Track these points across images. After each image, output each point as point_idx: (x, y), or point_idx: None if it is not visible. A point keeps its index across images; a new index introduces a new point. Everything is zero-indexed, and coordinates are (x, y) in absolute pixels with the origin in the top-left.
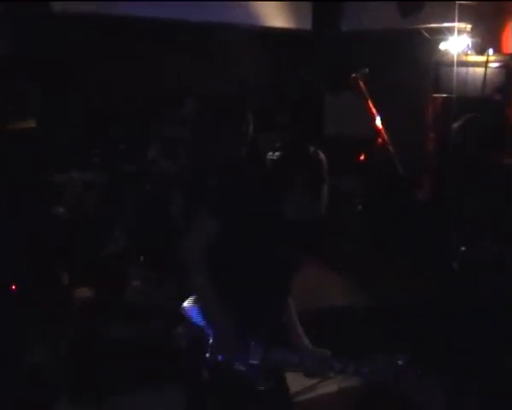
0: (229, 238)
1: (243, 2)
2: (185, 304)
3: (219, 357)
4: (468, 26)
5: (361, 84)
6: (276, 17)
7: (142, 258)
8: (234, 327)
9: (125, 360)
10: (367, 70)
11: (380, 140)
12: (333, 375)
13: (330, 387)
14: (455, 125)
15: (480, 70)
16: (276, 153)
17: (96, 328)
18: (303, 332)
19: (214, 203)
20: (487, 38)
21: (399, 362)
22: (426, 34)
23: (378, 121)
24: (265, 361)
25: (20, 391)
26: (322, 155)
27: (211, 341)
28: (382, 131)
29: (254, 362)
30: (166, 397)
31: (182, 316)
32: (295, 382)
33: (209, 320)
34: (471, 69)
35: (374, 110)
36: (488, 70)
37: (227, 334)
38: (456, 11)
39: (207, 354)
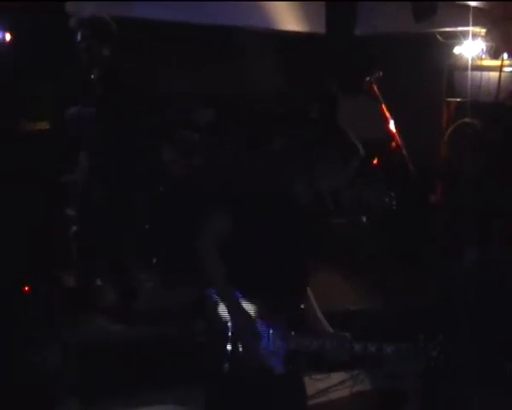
0: (245, 230)
1: (256, 6)
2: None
3: (240, 347)
4: (483, 31)
5: (375, 87)
6: (288, 21)
7: (154, 260)
8: (252, 315)
9: (137, 363)
10: (381, 74)
11: (393, 144)
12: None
13: (342, 391)
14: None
15: (495, 74)
16: None
17: (108, 331)
18: (322, 316)
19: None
20: (502, 43)
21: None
22: (440, 38)
23: (392, 125)
24: (286, 347)
25: (29, 393)
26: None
27: (231, 332)
28: (396, 134)
29: (275, 349)
30: (183, 399)
31: (200, 311)
32: (308, 386)
33: (228, 309)
34: (485, 73)
35: (387, 114)
36: (503, 74)
37: (246, 322)
38: (471, 15)
39: (228, 346)
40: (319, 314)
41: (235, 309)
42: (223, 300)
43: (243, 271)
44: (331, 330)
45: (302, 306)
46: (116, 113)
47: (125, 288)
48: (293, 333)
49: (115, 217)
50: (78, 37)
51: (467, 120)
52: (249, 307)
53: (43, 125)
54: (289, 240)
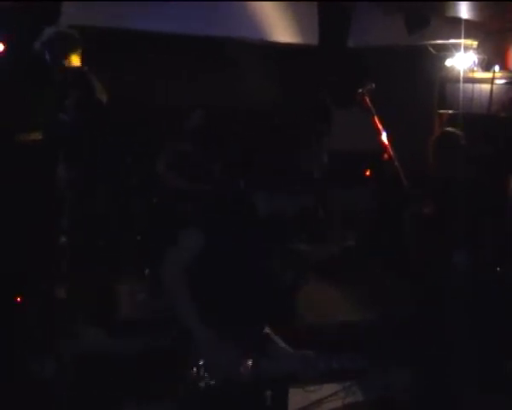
0: (212, 249)
1: (248, 16)
2: None
3: (208, 377)
4: (475, 43)
5: (367, 99)
6: (282, 32)
7: (147, 271)
8: (220, 343)
9: (131, 376)
10: (373, 86)
11: (386, 155)
12: (318, 375)
13: (335, 403)
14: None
15: (487, 87)
16: None
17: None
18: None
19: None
20: (494, 55)
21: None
22: (432, 50)
23: (384, 137)
24: (254, 374)
25: (23, 404)
26: None
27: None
28: (388, 146)
29: (243, 377)
30: None
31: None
32: (300, 398)
33: (195, 338)
34: (477, 86)
35: (380, 126)
36: (494, 87)
37: (215, 351)
38: (463, 28)
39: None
40: (277, 337)
41: (204, 343)
42: (192, 331)
43: (203, 293)
44: (292, 350)
45: (267, 330)
46: (89, 123)
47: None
48: (258, 358)
49: (108, 226)
50: (47, 56)
51: (449, 129)
52: (214, 335)
53: (36, 136)
54: (253, 263)
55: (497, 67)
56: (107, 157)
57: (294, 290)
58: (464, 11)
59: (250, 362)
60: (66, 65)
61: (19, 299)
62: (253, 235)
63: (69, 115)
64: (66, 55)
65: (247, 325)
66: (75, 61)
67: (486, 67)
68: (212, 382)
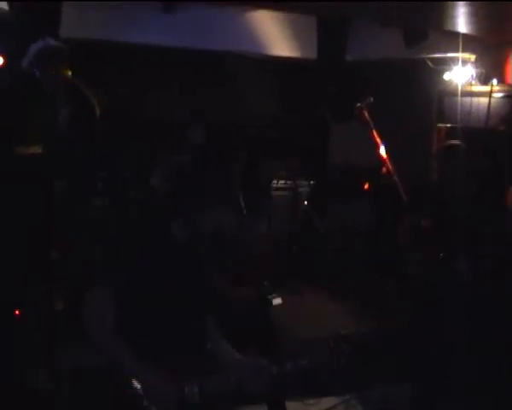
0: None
1: (247, 31)
2: None
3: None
4: (473, 57)
5: (365, 113)
6: (281, 46)
7: None
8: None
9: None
10: (371, 99)
11: (384, 169)
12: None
13: None
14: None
15: (484, 100)
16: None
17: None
18: (232, 349)
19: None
20: (491, 69)
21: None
22: (430, 64)
23: (382, 150)
24: (205, 398)
25: None
26: None
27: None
28: (387, 160)
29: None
30: None
31: None
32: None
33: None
34: (475, 99)
35: (378, 139)
36: (492, 100)
37: (157, 387)
38: (461, 42)
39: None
40: (228, 348)
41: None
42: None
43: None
44: (244, 358)
45: (208, 346)
46: (82, 136)
47: None
48: (206, 379)
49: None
50: (36, 72)
51: (454, 142)
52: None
53: (35, 149)
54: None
55: (495, 81)
56: (101, 169)
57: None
58: (462, 25)
59: (195, 387)
60: (57, 78)
61: (17, 312)
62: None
63: (63, 128)
64: (56, 69)
65: (185, 348)
66: (65, 73)
67: (484, 80)
68: None
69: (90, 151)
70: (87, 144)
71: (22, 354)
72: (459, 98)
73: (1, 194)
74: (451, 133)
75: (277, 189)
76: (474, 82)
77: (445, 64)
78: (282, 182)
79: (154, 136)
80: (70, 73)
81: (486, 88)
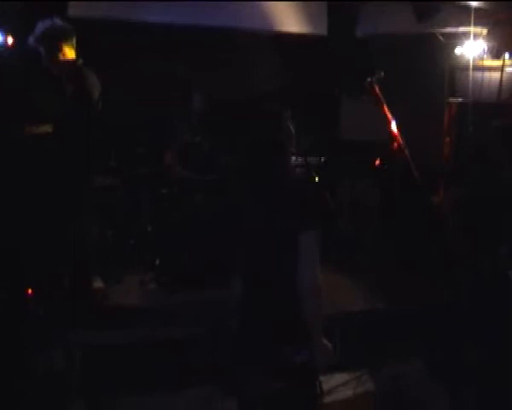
0: None
1: (257, 8)
2: None
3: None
4: (484, 31)
5: (376, 88)
6: (291, 23)
7: (157, 261)
8: None
9: (138, 366)
10: (382, 74)
11: (395, 145)
12: None
13: (345, 392)
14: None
15: (496, 74)
16: None
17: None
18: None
19: None
20: (503, 43)
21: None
22: (441, 38)
23: (393, 126)
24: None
25: (33, 396)
26: None
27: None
28: (398, 135)
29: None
30: (180, 401)
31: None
32: None
33: None
34: (487, 74)
35: (389, 115)
36: (504, 74)
37: None
38: (472, 15)
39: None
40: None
41: None
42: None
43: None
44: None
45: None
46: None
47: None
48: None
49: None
50: (41, 51)
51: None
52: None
53: (46, 129)
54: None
55: (506, 55)
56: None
57: None
58: None
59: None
60: (61, 58)
61: (29, 291)
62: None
63: (67, 109)
64: (60, 48)
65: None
66: (70, 54)
67: (496, 54)
68: None
69: (93, 131)
70: (88, 124)
71: (34, 335)
72: (471, 73)
73: (11, 175)
74: (463, 108)
75: None
76: (485, 56)
77: (457, 38)
78: (293, 158)
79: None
80: (74, 54)
81: (498, 62)
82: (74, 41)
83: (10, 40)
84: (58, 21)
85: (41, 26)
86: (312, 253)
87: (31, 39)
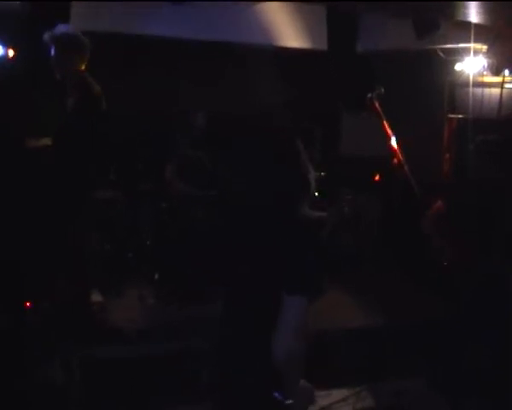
0: None
1: (258, 23)
2: None
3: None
4: (484, 47)
5: (376, 104)
6: (291, 37)
7: (156, 275)
8: None
9: (140, 380)
10: (383, 90)
11: (395, 160)
12: None
13: (345, 408)
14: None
15: (496, 91)
16: None
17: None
18: None
19: None
20: (503, 59)
21: None
22: (442, 55)
23: (393, 141)
24: None
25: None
26: None
27: None
28: (398, 151)
29: None
30: None
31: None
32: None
33: None
34: (487, 90)
35: (389, 130)
36: (504, 91)
37: None
38: (472, 32)
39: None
40: None
41: None
42: None
43: None
44: None
45: None
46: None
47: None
48: None
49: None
50: (52, 51)
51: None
52: None
53: (45, 141)
54: None
55: (506, 71)
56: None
57: None
58: (473, 15)
59: None
60: (68, 66)
61: (28, 304)
62: None
63: (69, 118)
64: (72, 55)
65: None
66: (80, 65)
67: (496, 71)
68: None
69: (96, 143)
70: (92, 135)
71: (35, 347)
72: (471, 89)
73: (12, 186)
74: (463, 124)
75: None
76: (485, 72)
77: (457, 55)
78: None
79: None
80: (83, 68)
81: (498, 79)
82: (87, 56)
83: (11, 53)
84: (78, 32)
85: (61, 28)
86: (295, 319)
87: (47, 36)
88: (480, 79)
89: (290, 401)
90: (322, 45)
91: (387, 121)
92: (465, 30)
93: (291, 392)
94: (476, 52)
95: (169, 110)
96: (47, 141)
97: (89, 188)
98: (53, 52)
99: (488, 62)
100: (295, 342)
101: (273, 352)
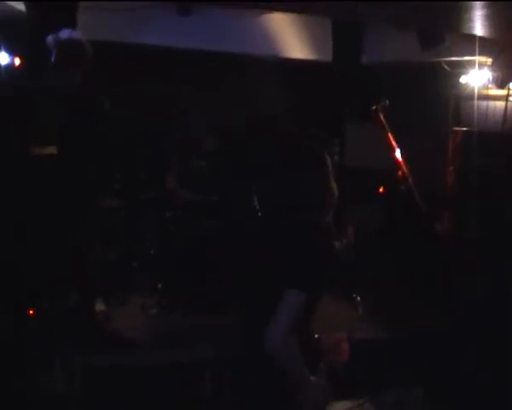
0: None
1: (262, 33)
2: None
3: None
4: (489, 60)
5: (381, 116)
6: (296, 49)
7: (160, 285)
8: None
9: (143, 388)
10: (387, 102)
11: (399, 172)
12: None
13: None
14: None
15: (501, 104)
16: None
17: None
18: None
19: None
20: (508, 72)
21: None
22: (446, 67)
23: (398, 154)
24: None
25: None
26: None
27: None
28: (402, 163)
29: None
30: None
31: None
32: None
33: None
34: (492, 103)
35: (393, 142)
36: (509, 104)
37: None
38: (477, 45)
39: None
40: None
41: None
42: None
43: None
44: None
45: None
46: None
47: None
48: None
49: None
50: (53, 56)
51: None
52: None
53: (51, 150)
54: None
55: (511, 85)
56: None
57: None
58: (479, 28)
59: None
60: (73, 73)
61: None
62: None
63: (72, 123)
64: (73, 62)
65: None
66: (80, 70)
67: (501, 84)
68: None
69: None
70: (94, 143)
71: (35, 355)
72: (475, 102)
73: (17, 195)
74: (468, 137)
75: None
76: (490, 85)
77: (462, 67)
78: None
79: (169, 138)
80: (87, 72)
81: (503, 92)
82: (89, 64)
83: (17, 61)
84: (84, 39)
85: (67, 33)
86: (290, 309)
87: (50, 39)
88: (484, 91)
89: (301, 396)
90: (327, 57)
91: (392, 133)
92: (470, 43)
93: (300, 387)
94: (481, 65)
95: (170, 119)
96: (52, 150)
97: (93, 194)
98: (54, 56)
99: (493, 75)
100: (286, 332)
101: (265, 339)
